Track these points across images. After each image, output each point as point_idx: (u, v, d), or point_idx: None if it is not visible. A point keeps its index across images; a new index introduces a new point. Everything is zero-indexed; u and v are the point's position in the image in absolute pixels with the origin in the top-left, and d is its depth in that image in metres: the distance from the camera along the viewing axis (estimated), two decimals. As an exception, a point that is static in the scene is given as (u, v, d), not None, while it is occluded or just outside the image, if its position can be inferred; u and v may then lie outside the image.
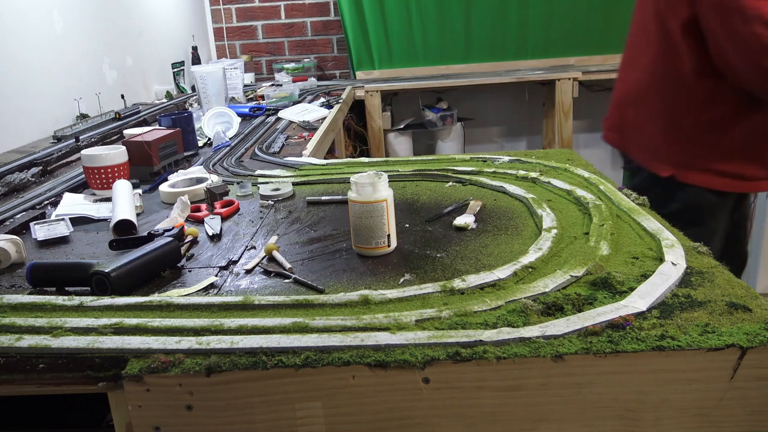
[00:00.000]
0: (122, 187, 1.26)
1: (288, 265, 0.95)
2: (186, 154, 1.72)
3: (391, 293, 0.81)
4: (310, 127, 2.15)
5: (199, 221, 1.18)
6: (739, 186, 1.43)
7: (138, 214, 1.24)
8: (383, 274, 0.91)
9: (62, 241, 1.15)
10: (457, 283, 0.82)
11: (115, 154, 1.40)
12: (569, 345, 0.68)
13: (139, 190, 1.40)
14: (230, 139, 1.95)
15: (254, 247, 1.05)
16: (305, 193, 1.34)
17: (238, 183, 1.37)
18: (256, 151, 1.75)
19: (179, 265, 0.99)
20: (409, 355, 0.68)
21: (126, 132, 1.85)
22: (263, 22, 3.82)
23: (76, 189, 1.48)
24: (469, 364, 0.67)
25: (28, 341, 0.75)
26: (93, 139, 1.91)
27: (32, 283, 0.92)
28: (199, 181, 1.40)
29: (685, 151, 1.42)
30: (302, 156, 1.68)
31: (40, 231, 1.16)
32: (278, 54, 3.87)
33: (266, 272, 0.94)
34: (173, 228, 1.02)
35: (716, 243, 1.48)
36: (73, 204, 1.34)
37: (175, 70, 3.15)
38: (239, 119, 2.15)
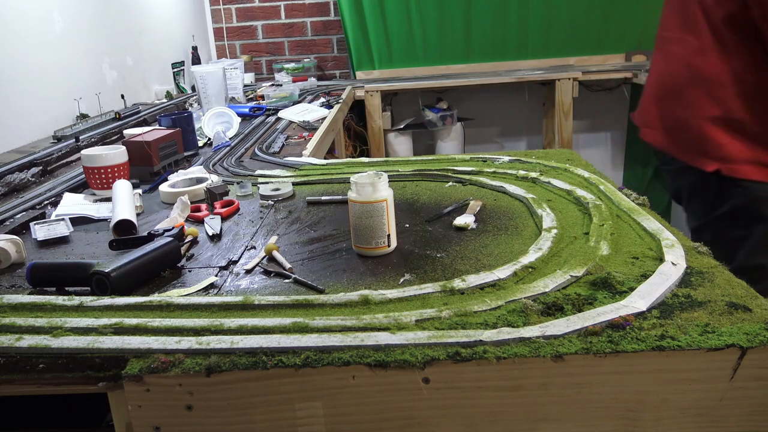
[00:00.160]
0: (122, 187, 1.26)
1: (288, 265, 0.95)
2: (186, 154, 1.72)
3: (391, 293, 0.81)
4: (310, 127, 2.15)
5: (199, 221, 1.18)
6: None
7: (138, 214, 1.24)
8: (383, 274, 0.91)
9: (62, 241, 1.15)
10: (457, 283, 0.82)
11: (115, 154, 1.40)
12: (569, 345, 0.68)
13: (139, 190, 1.40)
14: (230, 139, 1.95)
15: (254, 247, 1.05)
16: (305, 193, 1.34)
17: (238, 183, 1.37)
18: (256, 151, 1.75)
19: (179, 265, 0.99)
20: (409, 355, 0.68)
21: (126, 132, 1.86)
22: (263, 22, 3.82)
23: (76, 189, 1.48)
24: (469, 364, 0.67)
25: (28, 341, 0.75)
26: (93, 139, 1.91)
27: (32, 283, 0.92)
28: (199, 181, 1.40)
29: (733, 144, 1.37)
30: (302, 156, 1.68)
31: (40, 231, 1.16)
32: (278, 54, 3.87)
33: (266, 272, 0.94)
34: (173, 228, 1.02)
35: None
36: (73, 204, 1.35)
37: (175, 70, 3.15)
38: (239, 119, 2.15)
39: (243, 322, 0.75)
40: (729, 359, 0.66)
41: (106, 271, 0.87)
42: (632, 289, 0.78)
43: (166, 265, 0.96)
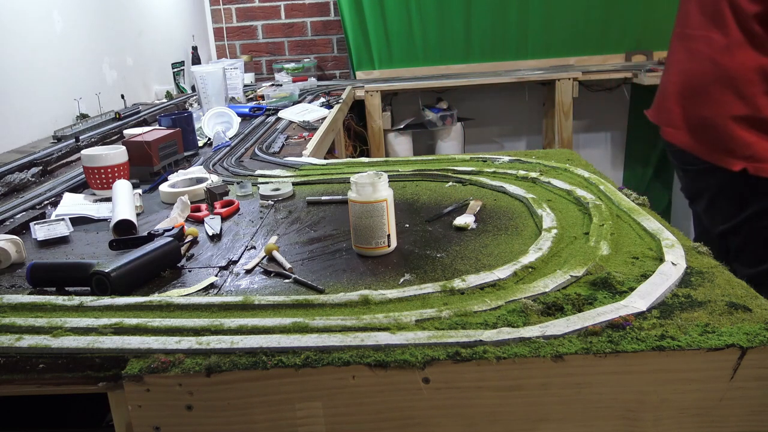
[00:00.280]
0: (122, 187, 1.26)
1: (288, 265, 0.95)
2: (186, 154, 1.72)
3: (391, 293, 0.81)
4: (310, 127, 2.15)
5: (199, 221, 1.18)
6: None
7: (138, 214, 1.24)
8: (383, 274, 0.91)
9: (62, 241, 1.15)
10: (457, 283, 0.82)
11: (115, 154, 1.40)
12: (569, 345, 0.68)
13: (139, 190, 1.40)
14: (230, 139, 1.95)
15: (254, 247, 1.05)
16: (305, 193, 1.34)
17: (238, 183, 1.37)
18: (256, 151, 1.75)
19: (179, 265, 0.99)
20: (409, 355, 0.68)
21: (126, 132, 1.85)
22: (263, 22, 3.82)
23: (76, 189, 1.48)
24: (469, 364, 0.67)
25: (28, 341, 0.75)
26: (93, 139, 1.91)
27: (32, 283, 0.92)
28: (199, 181, 1.40)
29: (760, 143, 1.35)
30: (302, 156, 1.68)
31: (40, 231, 1.16)
32: (278, 54, 3.87)
33: (266, 272, 0.94)
34: (173, 228, 1.02)
35: None
36: (73, 204, 1.34)
37: (175, 70, 3.15)
38: (239, 119, 2.15)
39: (243, 322, 0.75)
40: (729, 359, 0.66)
41: (106, 271, 0.87)
42: (632, 289, 0.78)
43: (166, 265, 0.96)
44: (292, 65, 3.66)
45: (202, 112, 2.16)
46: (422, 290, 0.81)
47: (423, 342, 0.69)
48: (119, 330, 0.76)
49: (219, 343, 0.71)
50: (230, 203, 1.26)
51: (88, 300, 0.84)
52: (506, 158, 1.46)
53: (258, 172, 1.52)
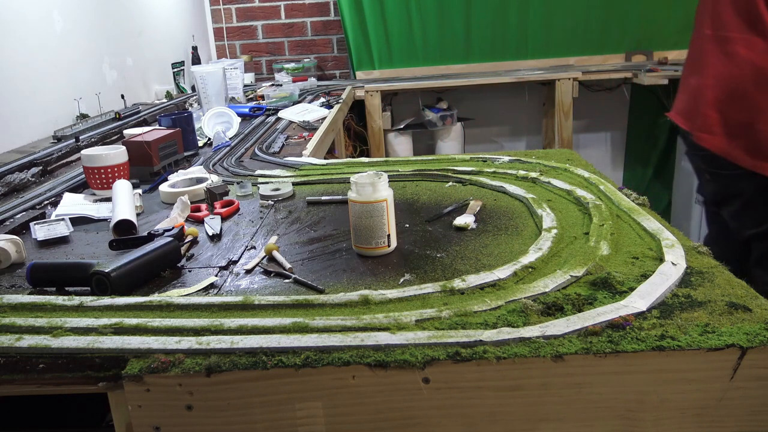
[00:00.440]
0: (122, 187, 1.26)
1: (288, 265, 0.95)
2: (186, 154, 1.72)
3: (391, 293, 0.81)
4: (310, 127, 2.15)
5: (199, 221, 1.18)
6: None
7: (138, 214, 1.24)
8: (383, 274, 0.91)
9: (62, 241, 1.15)
10: (457, 283, 0.82)
11: (115, 154, 1.40)
12: (569, 345, 0.68)
13: (139, 190, 1.40)
14: (230, 139, 1.95)
15: (254, 247, 1.05)
16: (305, 193, 1.34)
17: (238, 183, 1.37)
18: (256, 151, 1.75)
19: (179, 265, 0.99)
20: (409, 355, 0.68)
21: (126, 132, 1.85)
22: (263, 22, 3.82)
23: (76, 189, 1.48)
24: (469, 364, 0.67)
25: (28, 341, 0.75)
26: (93, 139, 1.91)
27: (32, 283, 0.92)
28: (199, 181, 1.40)
29: None
30: (302, 156, 1.68)
31: (40, 231, 1.16)
32: (278, 54, 3.87)
33: (266, 272, 0.94)
34: (173, 228, 1.02)
35: None
36: (73, 204, 1.34)
37: (175, 70, 3.15)
38: (239, 119, 2.15)
39: (243, 322, 0.75)
40: (729, 359, 0.66)
41: (106, 271, 0.87)
42: (632, 289, 0.78)
43: (166, 265, 0.96)
44: (292, 65, 3.66)
45: (202, 112, 2.16)
46: (422, 290, 0.81)
47: (423, 342, 0.69)
48: (119, 330, 0.76)
49: (219, 343, 0.71)
50: (230, 203, 1.26)
51: (88, 300, 0.84)
52: (506, 158, 1.46)
53: (258, 172, 1.52)
